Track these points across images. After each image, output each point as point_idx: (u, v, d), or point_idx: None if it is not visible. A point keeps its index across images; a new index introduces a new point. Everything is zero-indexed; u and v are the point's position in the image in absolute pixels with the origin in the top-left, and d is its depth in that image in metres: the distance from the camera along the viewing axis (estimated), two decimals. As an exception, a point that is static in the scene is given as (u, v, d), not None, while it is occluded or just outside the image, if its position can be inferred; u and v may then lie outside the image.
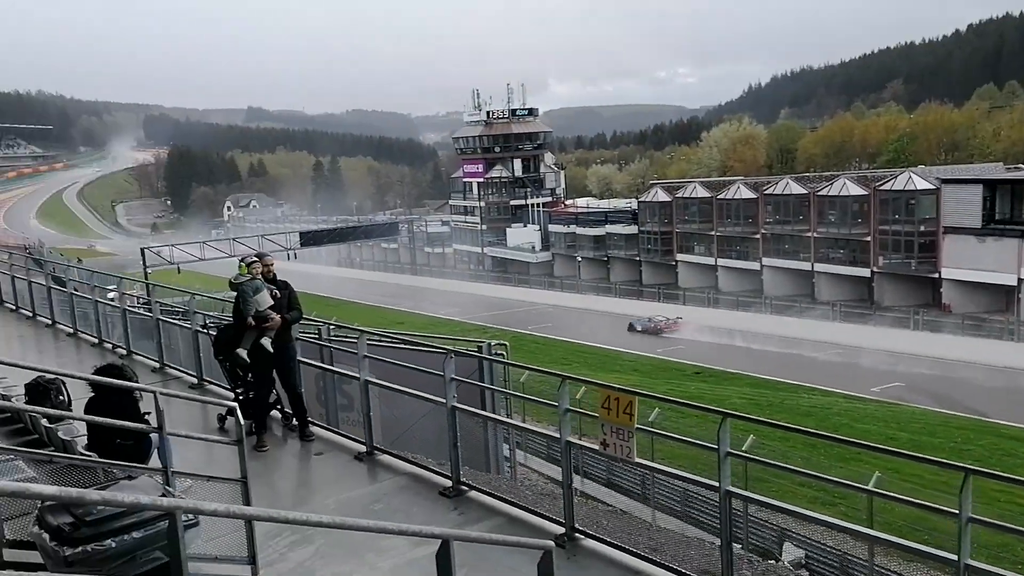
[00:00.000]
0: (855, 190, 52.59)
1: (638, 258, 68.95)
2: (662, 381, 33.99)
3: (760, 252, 59.03)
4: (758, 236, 59.03)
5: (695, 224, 64.37)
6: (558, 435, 6.16)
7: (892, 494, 5.31)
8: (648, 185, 79.24)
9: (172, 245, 57.49)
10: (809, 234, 55.42)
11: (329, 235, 76.01)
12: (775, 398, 31.15)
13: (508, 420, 9.08)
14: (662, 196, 67.18)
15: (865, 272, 52.38)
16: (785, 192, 57.51)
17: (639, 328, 48.13)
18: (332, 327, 10.76)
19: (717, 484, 5.18)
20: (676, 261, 65.83)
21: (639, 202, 71.16)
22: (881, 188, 50.94)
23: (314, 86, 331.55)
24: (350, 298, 62.08)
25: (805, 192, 55.98)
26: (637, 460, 5.65)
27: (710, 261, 63.18)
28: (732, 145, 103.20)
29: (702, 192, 64.36)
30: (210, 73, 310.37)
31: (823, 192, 54.69)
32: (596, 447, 5.83)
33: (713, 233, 62.51)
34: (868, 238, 51.74)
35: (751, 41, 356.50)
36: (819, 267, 55.18)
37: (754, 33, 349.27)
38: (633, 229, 69.53)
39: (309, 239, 70.20)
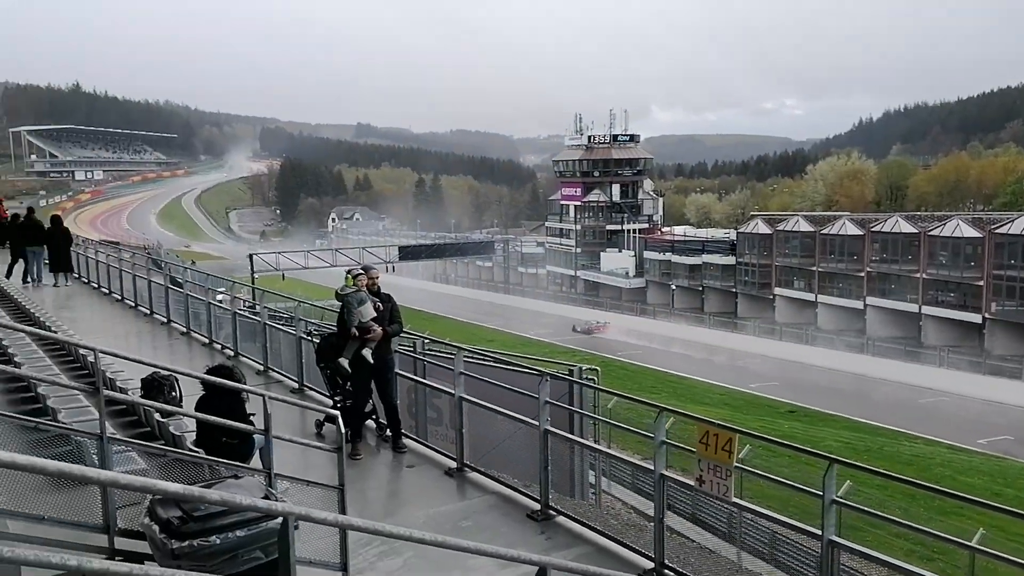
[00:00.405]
0: (969, 232, 50.16)
1: (734, 289, 67.49)
2: (753, 417, 33.02)
3: (864, 291, 56.87)
4: (862, 274, 56.93)
5: (796, 258, 62.61)
6: (649, 466, 6.05)
7: (998, 552, 5.00)
8: (748, 216, 77.60)
9: (278, 252, 59.69)
10: (917, 275, 53.11)
11: (427, 250, 77.50)
12: (873, 443, 29.81)
13: (600, 447, 8.95)
14: (763, 228, 65.66)
15: (976, 318, 49.78)
16: (894, 230, 55.35)
17: (579, 329, 57.89)
18: (426, 341, 10.92)
19: (819, 532, 4.98)
20: (774, 295, 64.08)
21: (738, 233, 69.76)
22: (997, 231, 48.50)
23: (421, 106, 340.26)
24: (443, 313, 62.90)
25: (915, 231, 53.73)
26: (734, 500, 5.49)
27: (810, 297, 61.24)
28: (839, 179, 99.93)
29: (805, 226, 62.58)
30: (324, 91, 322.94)
31: (935, 232, 52.35)
32: (691, 483, 5.70)
33: (814, 268, 60.63)
34: (980, 282, 49.23)
35: (862, 75, 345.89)
36: (927, 310, 52.75)
37: (866, 67, 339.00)
38: (731, 260, 68.18)
39: (408, 253, 71.73)
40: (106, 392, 5.32)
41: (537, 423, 6.96)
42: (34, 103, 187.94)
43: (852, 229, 58.14)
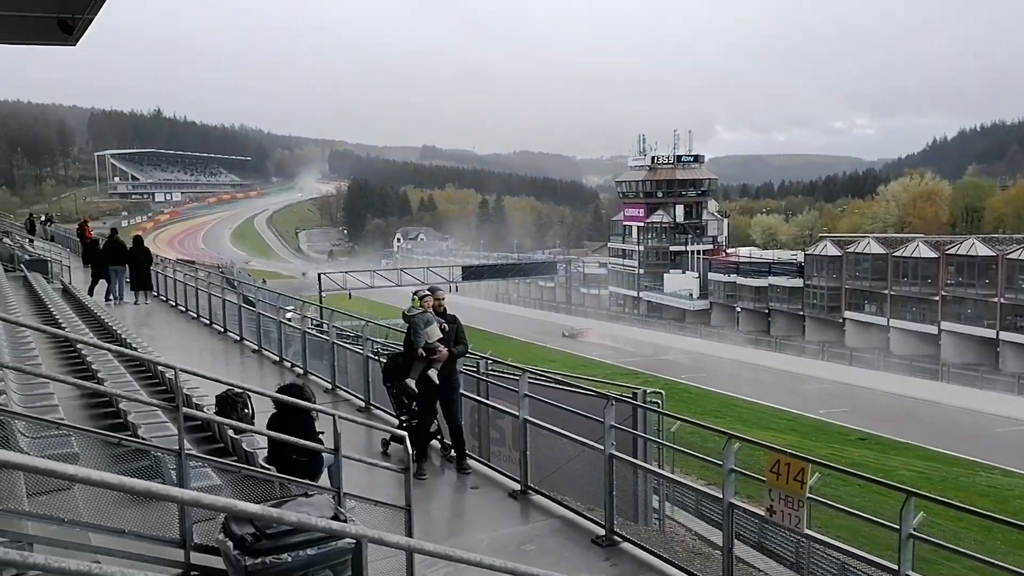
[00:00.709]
0: (1049, 255, 48.23)
1: (802, 313, 66.03)
2: (823, 444, 32.15)
3: (938, 315, 55.01)
4: (937, 298, 55.09)
5: (867, 281, 60.97)
6: (716, 493, 5.96)
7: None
8: (817, 238, 76.02)
9: (345, 272, 60.80)
10: (995, 299, 51.13)
11: (489, 270, 77.97)
12: (948, 473, 28.72)
13: (666, 473, 8.84)
14: (832, 250, 64.18)
15: (1058, 344, 47.72)
16: (970, 253, 53.46)
17: (567, 334, 64.73)
18: (489, 362, 10.97)
19: (894, 566, 4.83)
20: (844, 319, 62.46)
21: (806, 255, 68.35)
22: (1079, 254, 46.46)
23: (485, 128, 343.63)
24: (505, 333, 63.08)
25: (993, 254, 51.82)
26: (806, 531, 5.37)
27: (882, 321, 59.49)
28: (912, 200, 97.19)
29: (876, 248, 60.96)
30: (391, 114, 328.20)
31: (1013, 255, 50.40)
32: (761, 512, 5.59)
33: (887, 292, 58.93)
34: (1063, 307, 47.18)
35: (936, 93, 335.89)
36: (1004, 335, 50.68)
37: (939, 86, 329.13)
38: (798, 282, 66.78)
39: (471, 273, 72.30)
40: (184, 409, 5.49)
41: (601, 447, 6.92)
42: (118, 128, 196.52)
43: (926, 251, 56.41)
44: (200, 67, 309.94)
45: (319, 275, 52.11)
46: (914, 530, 4.89)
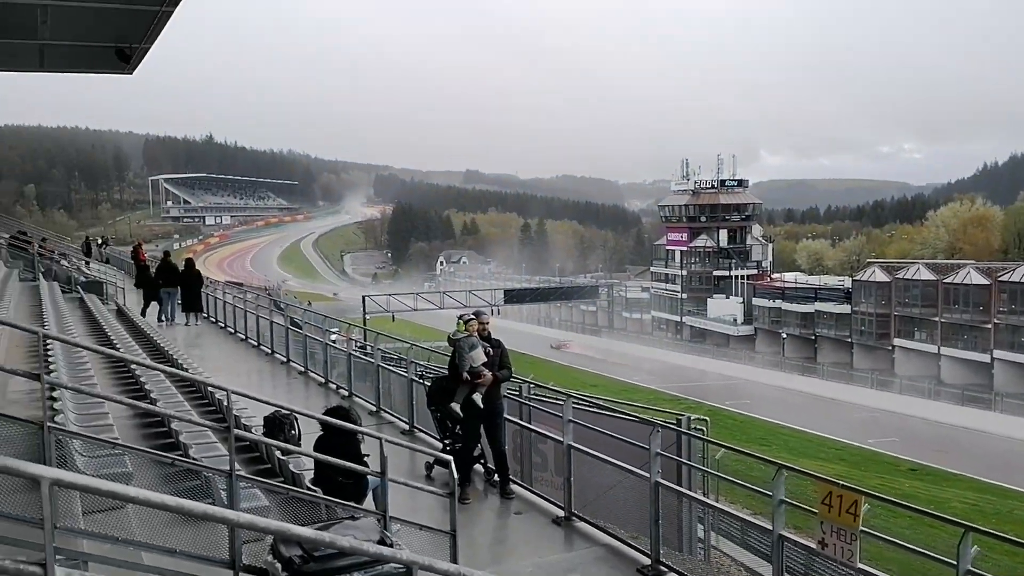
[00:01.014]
0: (1104, 281, 46.72)
1: (850, 339, 64.77)
2: (872, 475, 31.37)
3: (991, 343, 53.52)
4: (989, 326, 53.65)
5: (916, 308, 59.62)
6: (764, 524, 5.87)
7: None
8: (864, 263, 74.75)
9: (389, 295, 61.39)
10: (1050, 327, 49.72)
11: (531, 294, 78.09)
12: (1003, 506, 27.79)
13: (713, 502, 8.71)
14: (880, 276, 63.00)
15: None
16: (1023, 280, 52.09)
17: (554, 346, 68.73)
18: (531, 386, 10.96)
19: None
20: (893, 346, 61.11)
21: (854, 281, 67.16)
22: None
23: (527, 152, 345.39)
24: (546, 357, 62.98)
25: (1046, 281, 50.44)
26: (859, 565, 5.25)
27: (932, 349, 58.07)
28: (962, 226, 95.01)
29: (926, 274, 59.68)
30: (435, 139, 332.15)
31: (1067, 282, 49.02)
32: (812, 545, 5.49)
33: (937, 319, 57.56)
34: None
35: (986, 118, 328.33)
36: (1059, 364, 49.19)
37: (990, 110, 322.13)
38: (846, 308, 65.59)
39: (513, 296, 72.49)
40: (235, 431, 5.59)
41: (646, 474, 6.86)
42: (172, 153, 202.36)
43: (978, 278, 55.06)
44: (250, 94, 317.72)
45: (363, 297, 52.65)
46: (972, 567, 4.77)
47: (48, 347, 8.69)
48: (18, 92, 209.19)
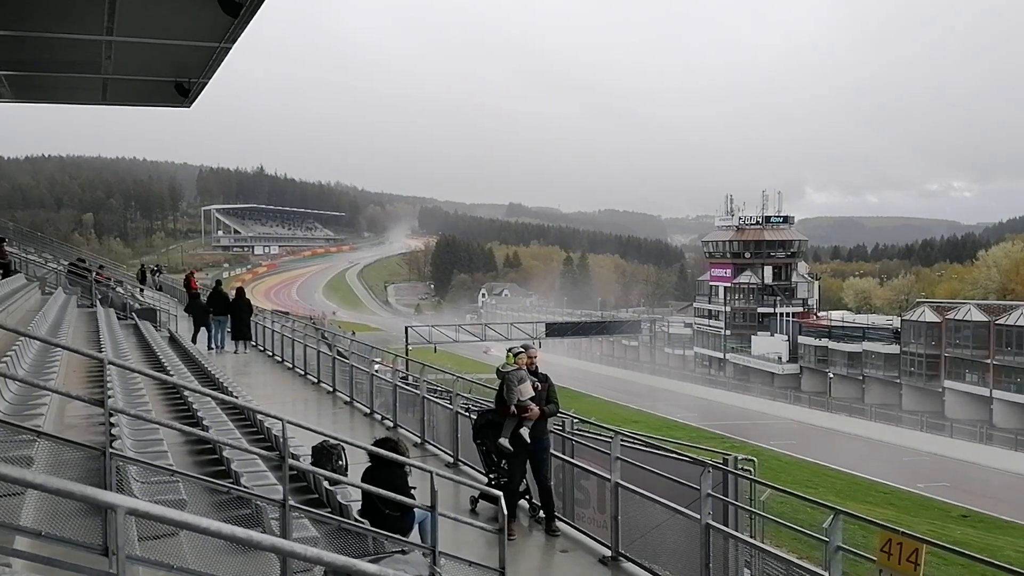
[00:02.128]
0: None
1: (898, 380, 63.33)
2: (923, 520, 30.42)
3: (1045, 388, 51.99)
4: (1043, 369, 52.14)
5: (968, 349, 58.16)
6: (816, 569, 5.76)
7: None
8: (914, 303, 73.24)
9: (431, 326, 61.73)
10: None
11: (573, 328, 77.77)
12: (1057, 554, 26.73)
13: (765, 546, 8.52)
14: (930, 316, 61.65)
15: None
16: (1079, 322, 50.65)
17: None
18: (575, 420, 10.92)
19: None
20: (943, 388, 59.58)
21: (903, 320, 65.85)
22: None
23: (570, 186, 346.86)
24: (587, 391, 62.55)
25: (1102, 323, 48.89)
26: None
27: (984, 392, 56.49)
28: (1014, 266, 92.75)
29: (977, 315, 58.24)
30: (479, 172, 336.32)
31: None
32: (871, 594, 5.36)
33: (989, 361, 56.02)
34: None
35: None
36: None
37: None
38: (894, 349, 64.25)
39: (554, 330, 72.19)
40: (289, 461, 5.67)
41: (695, 514, 6.77)
42: (224, 184, 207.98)
43: (1032, 320, 53.67)
44: (300, 127, 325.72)
45: (406, 328, 53.06)
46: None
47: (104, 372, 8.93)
48: (80, 124, 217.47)
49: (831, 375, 68.55)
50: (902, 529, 5.17)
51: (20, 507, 4.27)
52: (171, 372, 12.17)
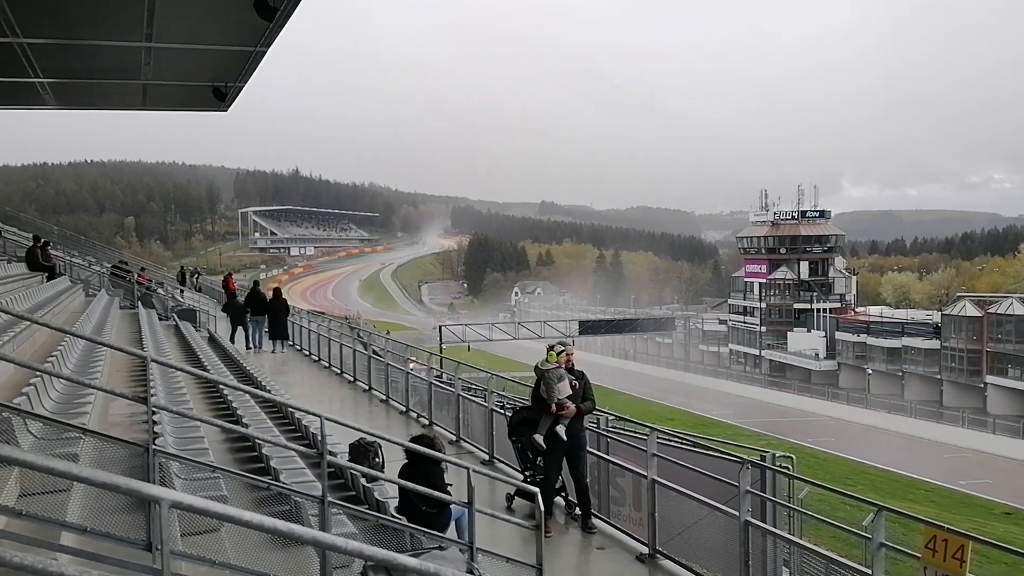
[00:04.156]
0: None
1: (939, 376, 62.19)
2: (964, 518, 29.88)
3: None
4: (1089, 363, 50.87)
5: (1011, 344, 56.95)
6: (857, 566, 5.69)
7: None
8: (955, 297, 71.90)
9: (465, 324, 61.98)
10: None
11: (606, 325, 77.55)
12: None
13: (806, 544, 8.43)
14: (971, 310, 60.44)
15: None
16: (1124, 315, 49.33)
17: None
18: (610, 418, 10.89)
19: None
20: (985, 383, 58.39)
21: (943, 315, 64.69)
22: None
23: (603, 183, 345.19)
24: (621, 388, 62.31)
25: None
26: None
27: (1027, 387, 55.38)
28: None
29: (1020, 309, 57.01)
30: (512, 171, 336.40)
31: None
32: (914, 592, 5.28)
33: (1032, 356, 54.89)
34: None
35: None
36: None
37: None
38: (935, 344, 63.12)
39: (587, 328, 72.11)
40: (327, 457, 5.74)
41: (734, 511, 6.72)
42: (260, 187, 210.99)
43: (1077, 313, 52.40)
44: (335, 130, 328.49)
45: (440, 327, 53.35)
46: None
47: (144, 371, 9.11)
48: (122, 130, 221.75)
49: (870, 371, 67.54)
50: (947, 526, 5.09)
51: (66, 503, 4.39)
52: (211, 371, 12.38)
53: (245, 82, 11.19)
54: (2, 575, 2.52)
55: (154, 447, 5.11)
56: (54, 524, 3.90)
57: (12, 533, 3.64)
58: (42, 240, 21.24)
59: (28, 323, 8.65)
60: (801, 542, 8.27)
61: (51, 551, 3.52)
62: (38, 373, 6.37)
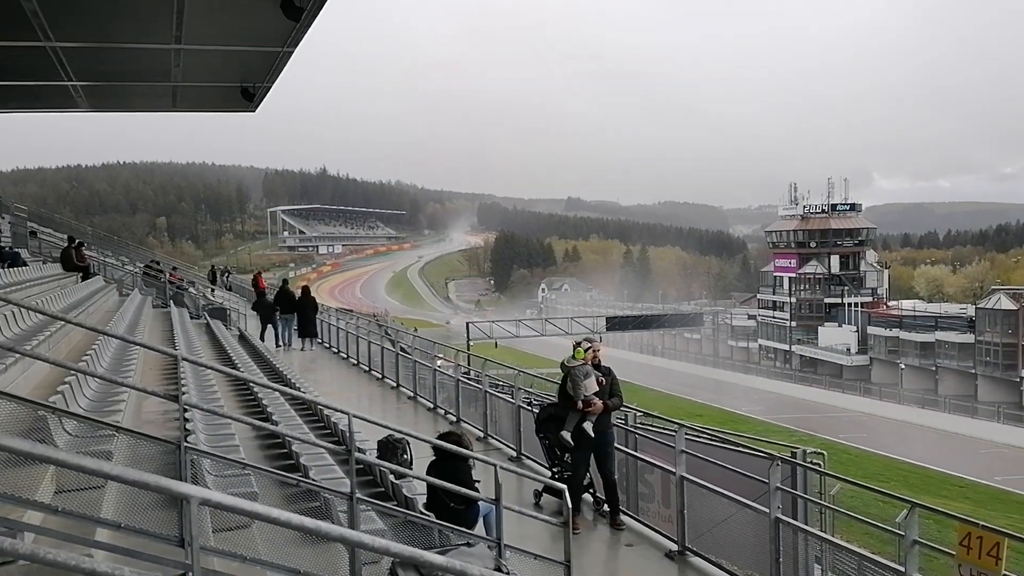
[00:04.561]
0: None
1: (973, 371, 61.16)
2: (1000, 514, 29.39)
3: None
4: None
5: (1047, 337, 55.93)
6: (891, 563, 5.62)
7: None
8: (989, 290, 70.64)
9: (492, 321, 62.07)
10: None
11: (634, 321, 77.20)
12: None
13: (838, 541, 8.35)
14: (1006, 303, 59.35)
15: None
16: None
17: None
18: (638, 414, 10.85)
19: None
20: (1021, 378, 57.34)
21: (977, 308, 63.56)
22: None
23: (629, 179, 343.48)
24: (648, 384, 62.07)
25: None
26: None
27: (1065, 381, 54.28)
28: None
29: (1058, 301, 55.95)
30: (537, 167, 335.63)
31: None
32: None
33: (1070, 350, 53.80)
34: None
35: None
36: None
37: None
38: (969, 338, 62.06)
39: (615, 324, 71.86)
40: (355, 454, 5.77)
41: (764, 508, 6.67)
42: (288, 186, 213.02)
43: (1118, 306, 51.24)
44: (361, 129, 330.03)
45: (467, 324, 53.48)
46: None
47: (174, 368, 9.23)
48: (152, 131, 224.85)
49: (902, 366, 66.63)
50: (982, 523, 5.00)
51: (101, 500, 4.45)
52: (241, 368, 12.51)
53: (272, 82, 11.31)
54: (40, 571, 2.57)
55: (186, 444, 5.16)
56: (89, 521, 3.96)
57: (49, 529, 3.71)
58: (76, 241, 21.58)
59: (63, 323, 8.79)
60: (833, 539, 8.17)
61: (86, 547, 3.57)
62: (73, 372, 6.47)
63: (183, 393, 5.75)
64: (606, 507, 8.51)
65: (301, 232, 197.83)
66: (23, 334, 8.31)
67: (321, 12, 8.15)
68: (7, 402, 4.68)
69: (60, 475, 4.54)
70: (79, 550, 3.42)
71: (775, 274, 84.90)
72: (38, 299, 11.18)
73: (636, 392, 50.64)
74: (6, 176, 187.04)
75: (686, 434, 8.34)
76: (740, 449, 9.19)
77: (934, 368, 64.54)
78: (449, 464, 6.54)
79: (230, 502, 2.81)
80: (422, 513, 6.36)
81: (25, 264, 14.73)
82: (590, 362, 8.30)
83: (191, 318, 22.05)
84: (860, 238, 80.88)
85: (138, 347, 9.97)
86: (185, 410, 5.62)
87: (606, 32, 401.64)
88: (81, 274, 19.14)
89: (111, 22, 8.62)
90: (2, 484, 3.72)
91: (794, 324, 79.93)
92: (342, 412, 6.15)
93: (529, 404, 10.68)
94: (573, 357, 8.30)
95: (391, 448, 7.66)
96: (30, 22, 8.03)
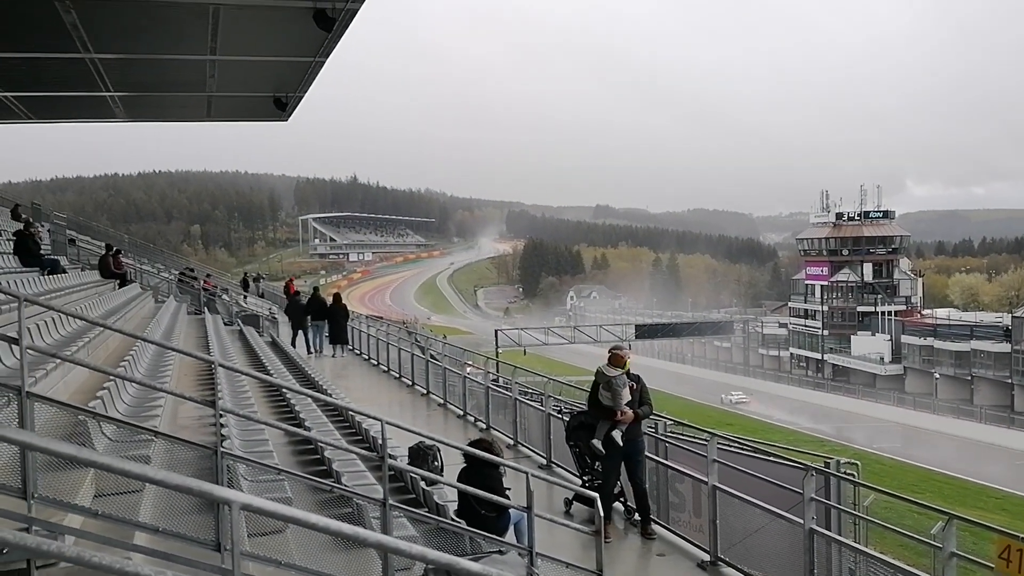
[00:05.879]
0: None
1: (1009, 380, 59.94)
2: (1039, 528, 28.79)
3: None
4: None
5: (1087, 347, 54.70)
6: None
7: None
8: (1026, 298, 69.34)
9: (520, 329, 62.09)
10: None
11: (663, 329, 76.75)
12: None
13: (874, 553, 8.22)
14: (1045, 312, 58.23)
15: None
16: None
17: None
18: (668, 423, 10.78)
19: None
20: (1058, 388, 56.18)
21: (1013, 317, 62.34)
22: None
23: (658, 186, 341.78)
24: (678, 393, 61.66)
25: None
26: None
27: (1105, 393, 53.02)
28: None
29: (1099, 310, 54.68)
30: (566, 174, 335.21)
31: None
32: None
33: (1112, 360, 52.55)
34: None
35: None
36: None
37: None
38: (1005, 347, 60.87)
39: (644, 332, 71.48)
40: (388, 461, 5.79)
41: (798, 519, 6.58)
42: (319, 194, 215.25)
43: None
44: (391, 138, 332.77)
45: (496, 331, 53.56)
46: None
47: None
48: (187, 141, 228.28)
49: (937, 375, 65.50)
50: (1022, 535, 4.91)
51: (139, 504, 4.52)
52: (274, 375, 12.63)
53: (305, 92, 11.46)
54: (81, 573, 2.62)
55: (222, 449, 5.22)
56: (128, 524, 4.03)
57: (89, 533, 3.77)
58: (114, 248, 21.95)
59: (101, 329, 8.95)
60: (868, 550, 8.04)
61: (125, 551, 3.63)
62: (112, 377, 6.58)
63: (219, 399, 5.82)
64: (637, 516, 8.44)
65: (332, 240, 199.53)
66: (63, 340, 8.47)
67: (353, 23, 8.26)
68: (48, 406, 4.77)
69: (99, 479, 4.61)
70: (119, 553, 3.47)
71: (807, 282, 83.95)
72: (77, 306, 11.38)
73: (666, 400, 50.32)
74: (46, 185, 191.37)
75: (717, 444, 8.27)
76: (772, 459, 9.08)
77: (969, 377, 63.40)
78: (480, 471, 6.52)
79: (271, 507, 2.84)
80: (453, 520, 6.37)
81: (64, 271, 14.99)
82: (624, 372, 8.24)
83: (224, 324, 22.31)
84: (894, 246, 79.76)
85: (173, 353, 10.13)
86: (221, 415, 5.68)
87: (637, 42, 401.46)
88: (118, 281, 19.45)
89: (148, 34, 8.79)
90: (44, 488, 3.80)
91: (826, 333, 78.96)
92: (375, 419, 6.18)
93: (559, 412, 10.65)
94: (610, 366, 8.22)
95: (422, 455, 7.69)
96: (70, 35, 8.22)
